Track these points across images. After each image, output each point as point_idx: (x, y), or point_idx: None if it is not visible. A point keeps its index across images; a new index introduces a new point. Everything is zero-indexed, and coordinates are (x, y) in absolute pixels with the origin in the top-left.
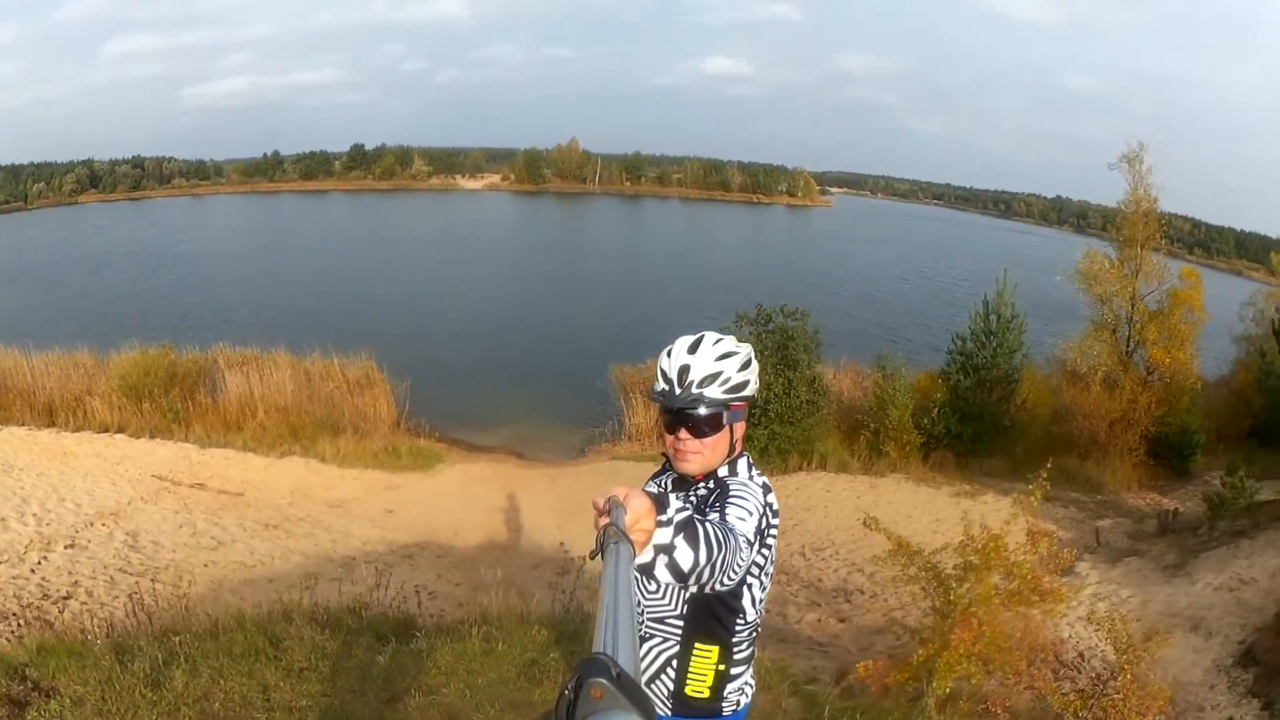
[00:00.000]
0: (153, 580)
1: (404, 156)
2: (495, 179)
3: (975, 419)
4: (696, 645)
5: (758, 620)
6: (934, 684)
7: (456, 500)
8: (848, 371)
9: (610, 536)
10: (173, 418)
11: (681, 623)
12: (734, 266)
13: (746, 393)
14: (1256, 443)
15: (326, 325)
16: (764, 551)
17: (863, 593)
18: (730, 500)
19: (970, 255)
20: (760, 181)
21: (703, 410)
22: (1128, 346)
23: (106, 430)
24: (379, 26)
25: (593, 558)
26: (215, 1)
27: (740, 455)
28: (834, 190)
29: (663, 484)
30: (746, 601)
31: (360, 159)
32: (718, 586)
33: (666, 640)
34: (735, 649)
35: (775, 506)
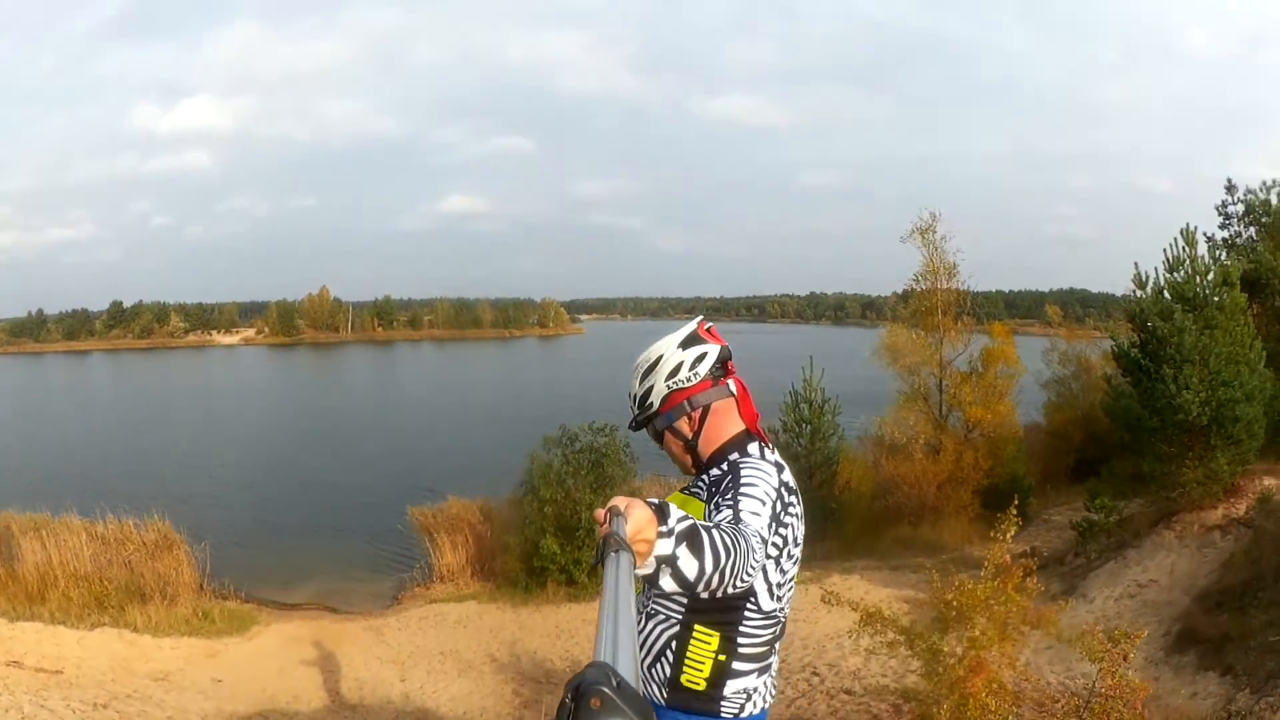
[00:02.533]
0: None
1: (160, 313)
2: (250, 333)
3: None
4: (697, 627)
5: (776, 612)
6: None
7: (284, 662)
8: (653, 483)
9: (611, 546)
10: None
11: (685, 600)
12: (496, 401)
13: (652, 398)
14: (1080, 476)
15: (109, 488)
16: (781, 532)
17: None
18: (742, 490)
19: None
20: (511, 316)
21: (647, 428)
22: (941, 411)
23: None
24: (129, 182)
25: (594, 567)
26: None
27: (750, 436)
28: (584, 317)
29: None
30: (759, 585)
31: (119, 316)
32: (730, 591)
33: (668, 619)
34: (742, 641)
35: (791, 484)
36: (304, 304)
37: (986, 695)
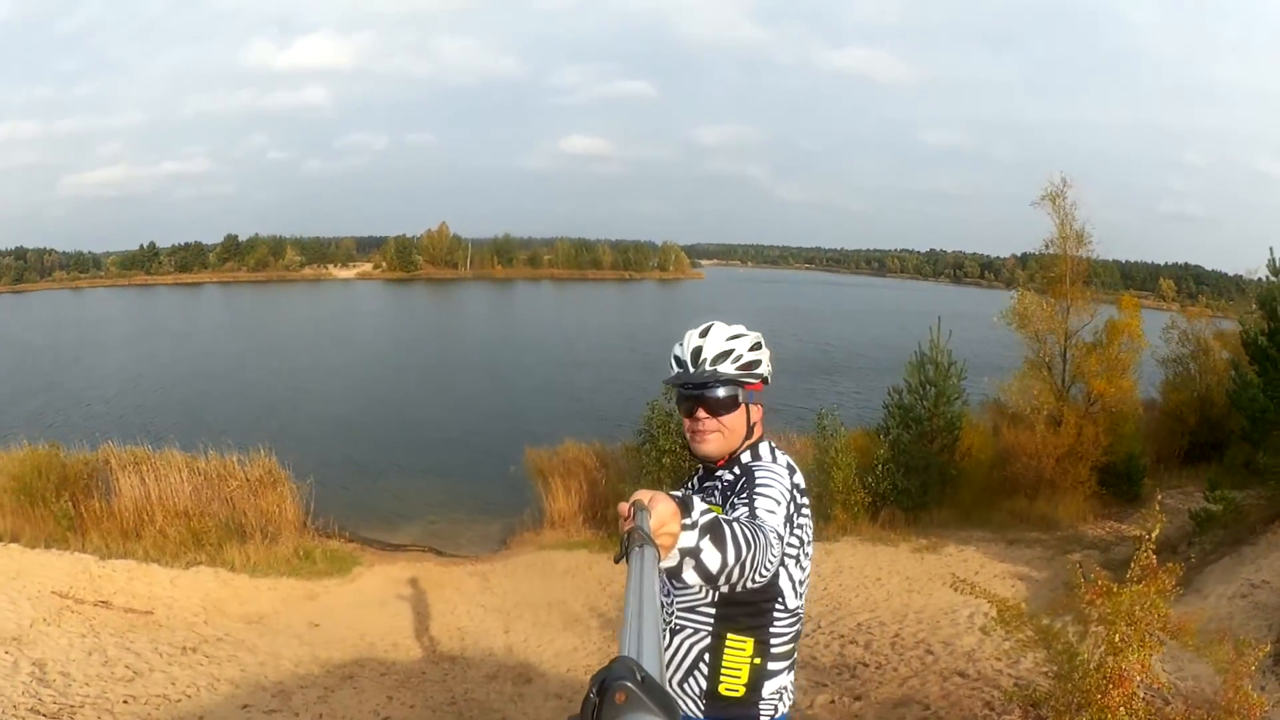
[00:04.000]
0: None
1: (276, 247)
2: (367, 267)
3: (921, 472)
4: (729, 637)
5: (799, 608)
6: None
7: (385, 607)
8: (769, 437)
9: (635, 540)
10: (67, 525)
11: (713, 611)
12: (613, 344)
13: (759, 371)
14: (1191, 460)
15: (217, 422)
16: (797, 534)
17: (866, 665)
18: (757, 490)
19: (843, 316)
20: (631, 259)
21: (720, 390)
22: (1063, 381)
23: (0, 539)
24: (245, 116)
25: (617, 561)
26: (91, 86)
27: (761, 439)
28: (704, 262)
29: (691, 479)
30: (785, 584)
31: (234, 250)
32: (749, 585)
33: (697, 632)
34: (774, 641)
35: (803, 485)
36: (422, 240)
37: (1125, 712)
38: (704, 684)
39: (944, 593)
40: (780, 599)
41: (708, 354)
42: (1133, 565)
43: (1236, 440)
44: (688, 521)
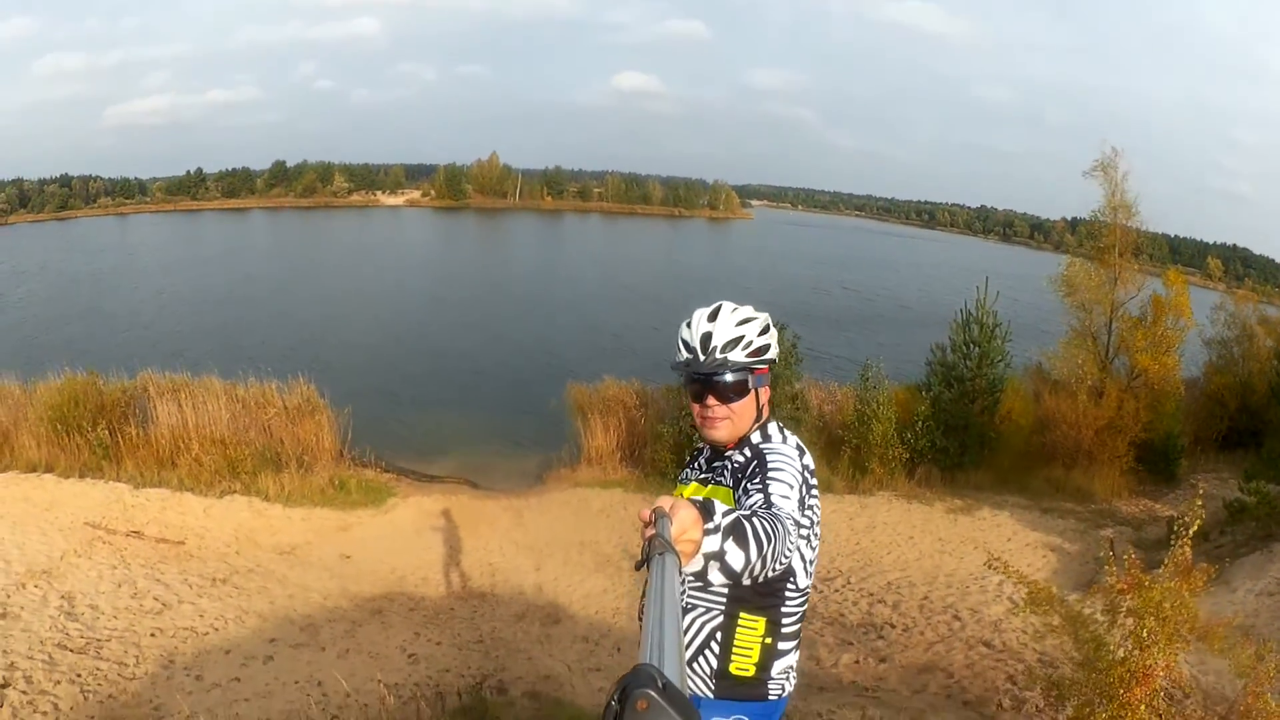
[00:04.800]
0: (96, 657)
1: (324, 173)
2: (416, 195)
3: (960, 431)
4: (742, 615)
5: (808, 587)
6: None
7: (417, 540)
8: (811, 386)
9: (656, 548)
10: (102, 454)
11: (726, 590)
12: (660, 281)
13: (768, 356)
14: (1229, 445)
15: (257, 348)
16: (808, 514)
17: (893, 626)
18: (770, 475)
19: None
20: (681, 195)
21: (729, 376)
22: (1107, 353)
23: (34, 470)
24: (294, 44)
25: (638, 569)
26: (138, 19)
27: (770, 420)
28: (754, 203)
29: (697, 459)
30: (796, 564)
31: (281, 175)
32: (769, 574)
33: (710, 610)
34: (785, 620)
35: (811, 467)
36: (473, 169)
37: (1146, 710)
38: (715, 663)
39: (976, 556)
40: (793, 578)
41: (718, 340)
42: (1167, 561)
43: (1275, 431)
44: (710, 526)
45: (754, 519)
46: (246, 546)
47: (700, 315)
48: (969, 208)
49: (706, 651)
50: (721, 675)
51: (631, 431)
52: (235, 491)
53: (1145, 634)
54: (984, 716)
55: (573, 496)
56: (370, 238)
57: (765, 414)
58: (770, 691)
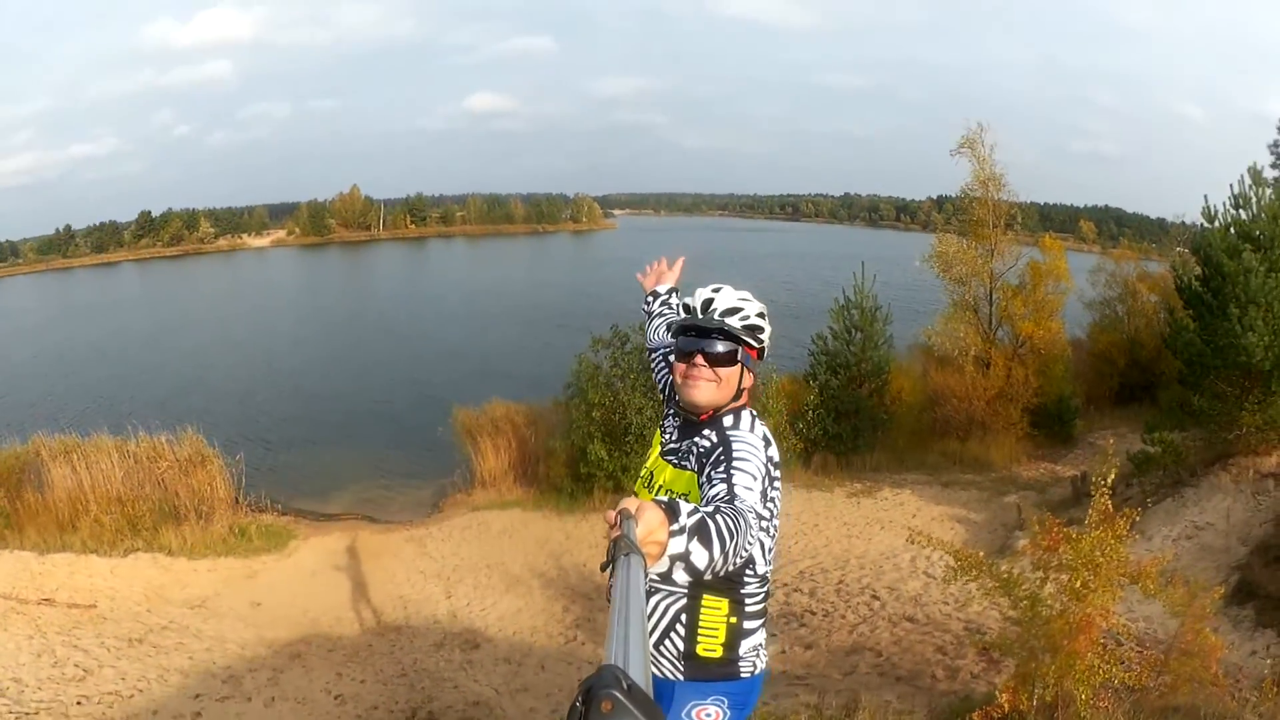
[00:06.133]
0: None
1: (190, 220)
2: (281, 234)
3: (851, 416)
4: (705, 597)
5: (768, 572)
6: (1080, 699)
7: (324, 580)
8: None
9: (621, 549)
10: (3, 523)
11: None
12: (530, 302)
13: (761, 338)
14: (1122, 401)
15: (143, 403)
16: (769, 505)
17: (813, 613)
18: (735, 466)
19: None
20: (544, 211)
21: (721, 342)
22: (990, 324)
23: None
24: (148, 92)
25: (604, 570)
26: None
27: (744, 407)
28: (617, 212)
29: (668, 429)
30: (756, 552)
31: (148, 226)
32: (729, 569)
33: (673, 594)
34: (747, 601)
35: (776, 459)
36: (335, 203)
37: (1092, 657)
38: (681, 645)
39: (883, 536)
40: (752, 566)
41: (719, 305)
42: (1090, 511)
43: (1169, 383)
44: (675, 527)
45: (718, 516)
46: (157, 604)
47: (704, 289)
48: (833, 196)
49: (672, 634)
50: (689, 657)
51: (523, 450)
52: (139, 549)
53: (1079, 585)
54: (920, 689)
55: (472, 520)
56: (239, 283)
57: (745, 399)
58: (742, 670)
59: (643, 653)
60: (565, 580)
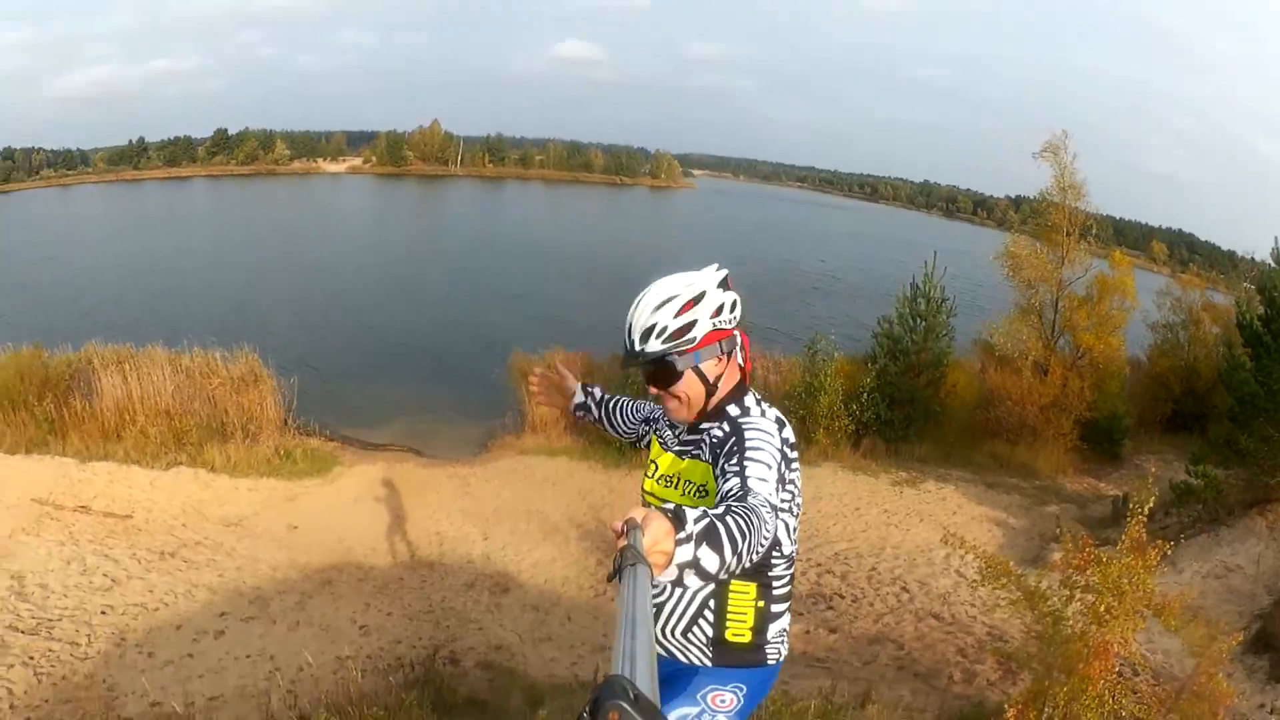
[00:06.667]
0: (48, 638)
1: (266, 140)
2: (357, 162)
3: (905, 404)
4: (733, 582)
5: (794, 553)
6: None
7: (364, 510)
8: (757, 358)
9: (628, 559)
10: (48, 429)
11: None
12: (601, 253)
13: (693, 335)
14: (1173, 427)
15: (200, 318)
16: (789, 489)
17: (842, 597)
18: (749, 456)
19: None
20: (623, 164)
21: (649, 366)
22: (1052, 331)
23: None
24: (235, 14)
25: (610, 580)
26: None
27: (745, 391)
28: (696, 173)
29: (677, 430)
30: (781, 533)
31: (223, 143)
32: (745, 567)
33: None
34: (775, 584)
35: (791, 440)
36: (414, 136)
37: (1104, 684)
38: (710, 631)
39: (921, 529)
40: (778, 548)
41: (635, 333)
42: (1123, 538)
43: (1220, 417)
44: (682, 535)
45: (728, 517)
46: (194, 519)
47: (635, 302)
48: (912, 182)
49: (701, 620)
50: (719, 642)
51: None
52: (181, 463)
53: (1103, 609)
54: (935, 688)
55: (518, 464)
56: (311, 205)
57: (725, 387)
58: (769, 657)
59: (649, 662)
60: (602, 534)
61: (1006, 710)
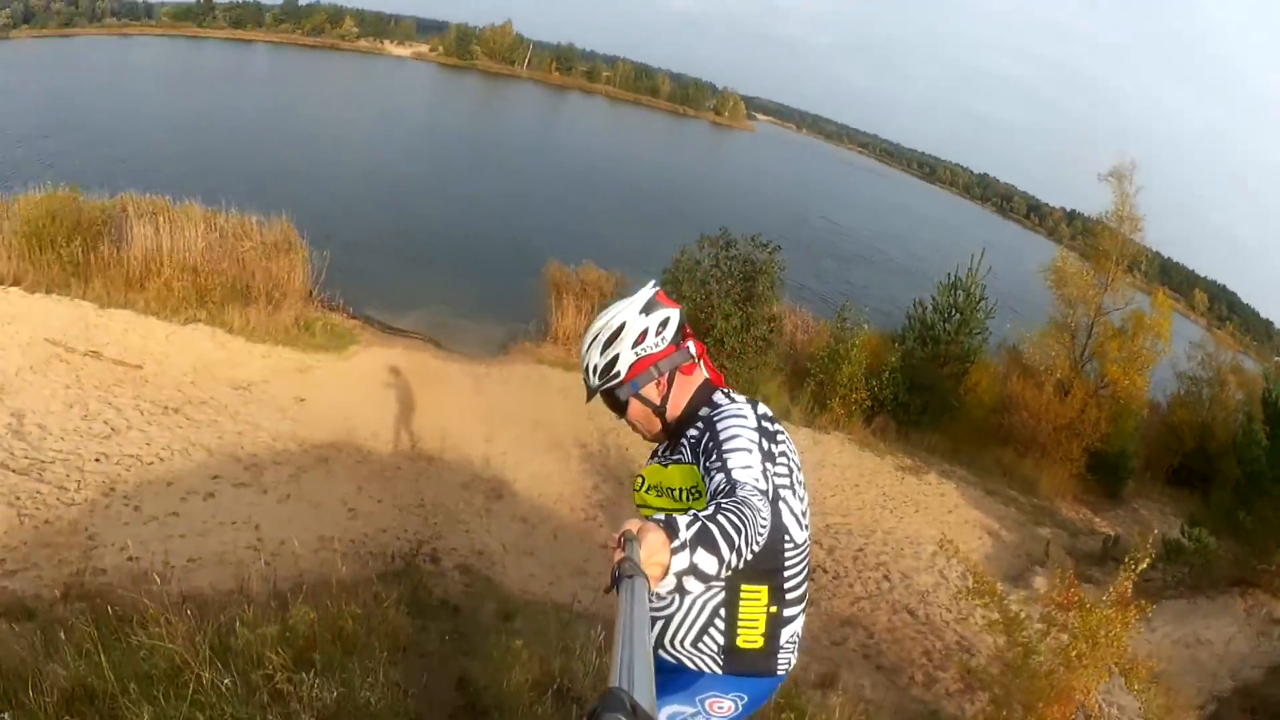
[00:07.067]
0: (37, 479)
1: (335, 14)
2: (423, 49)
3: (925, 391)
4: (744, 588)
5: (805, 541)
6: None
7: (373, 393)
8: (788, 311)
9: (625, 571)
10: (73, 270)
11: None
12: (655, 180)
13: (618, 369)
14: (1177, 480)
15: (242, 180)
16: (781, 464)
17: (825, 572)
18: (726, 449)
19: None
20: (689, 94)
21: (603, 398)
22: (1081, 355)
23: (1, 283)
24: None
25: (607, 593)
26: None
27: (710, 393)
28: (760, 117)
29: (663, 446)
30: (788, 520)
31: (291, 12)
32: (746, 560)
33: (710, 589)
34: (788, 583)
35: (769, 414)
36: (484, 32)
37: None
38: (721, 639)
39: (915, 519)
40: (788, 535)
41: (596, 364)
42: (1111, 590)
43: (1225, 483)
44: (676, 543)
45: (719, 516)
46: (203, 378)
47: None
48: (970, 171)
49: (711, 629)
50: (730, 650)
51: None
52: (200, 320)
53: (1075, 655)
54: (896, 685)
55: (534, 372)
56: (371, 85)
57: (678, 400)
58: (779, 665)
59: (648, 675)
60: (604, 458)
61: None
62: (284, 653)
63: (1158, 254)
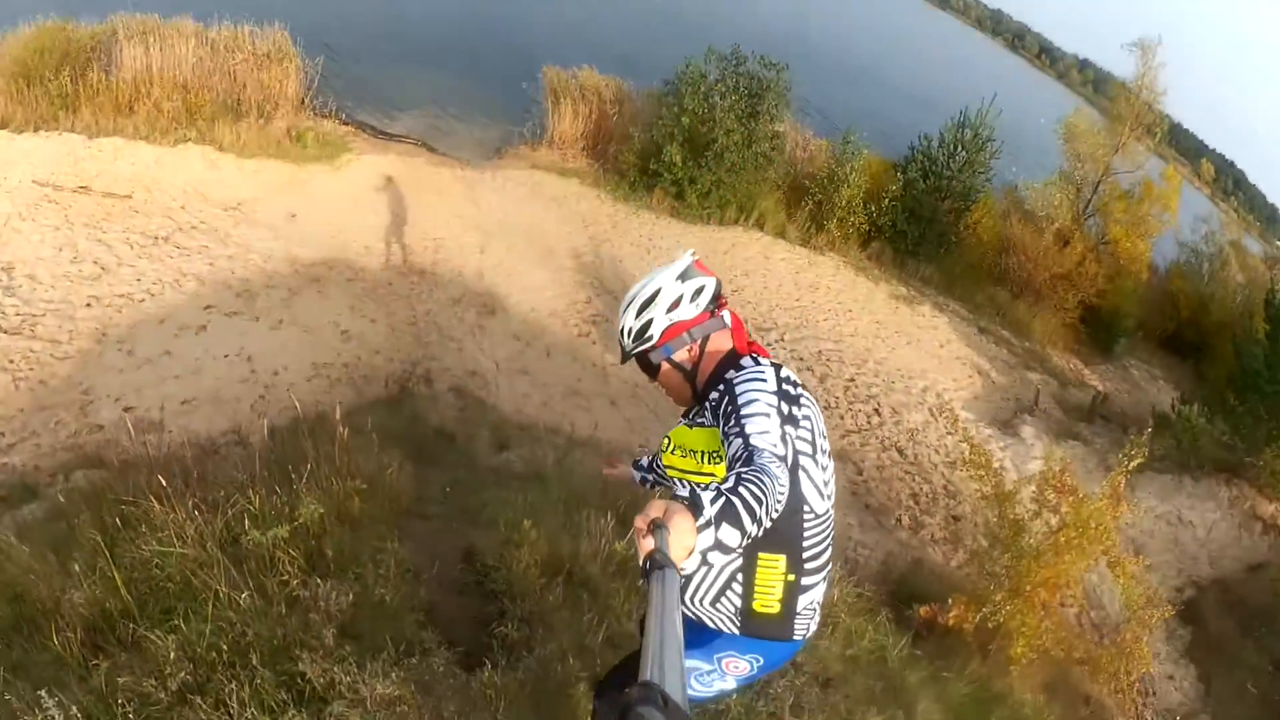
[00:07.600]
0: (30, 337)
1: None
2: None
3: (924, 222)
4: (761, 556)
5: (828, 511)
6: (1016, 649)
7: (365, 204)
8: (792, 129)
9: (656, 562)
10: (61, 103)
11: None
12: None
13: (651, 333)
14: (1170, 346)
15: None
16: (803, 430)
17: (817, 401)
18: (743, 412)
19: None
20: None
21: (637, 361)
22: (1085, 209)
23: None
24: None
25: (639, 583)
26: None
27: (737, 359)
28: None
29: (691, 410)
30: (807, 490)
31: None
32: (767, 525)
33: (729, 553)
34: (807, 555)
35: (791, 377)
36: None
37: (1046, 620)
38: (738, 602)
39: (907, 351)
40: (808, 506)
41: (631, 327)
42: (1105, 484)
43: (1218, 358)
44: (702, 521)
45: (739, 487)
46: (194, 201)
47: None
48: (985, 4)
49: (729, 591)
50: (746, 614)
51: (601, 125)
52: (190, 140)
53: (1064, 541)
54: (882, 526)
55: (528, 178)
56: None
57: (708, 366)
58: (796, 631)
59: (679, 668)
60: (598, 270)
61: (950, 603)
62: (295, 554)
63: (1167, 116)
